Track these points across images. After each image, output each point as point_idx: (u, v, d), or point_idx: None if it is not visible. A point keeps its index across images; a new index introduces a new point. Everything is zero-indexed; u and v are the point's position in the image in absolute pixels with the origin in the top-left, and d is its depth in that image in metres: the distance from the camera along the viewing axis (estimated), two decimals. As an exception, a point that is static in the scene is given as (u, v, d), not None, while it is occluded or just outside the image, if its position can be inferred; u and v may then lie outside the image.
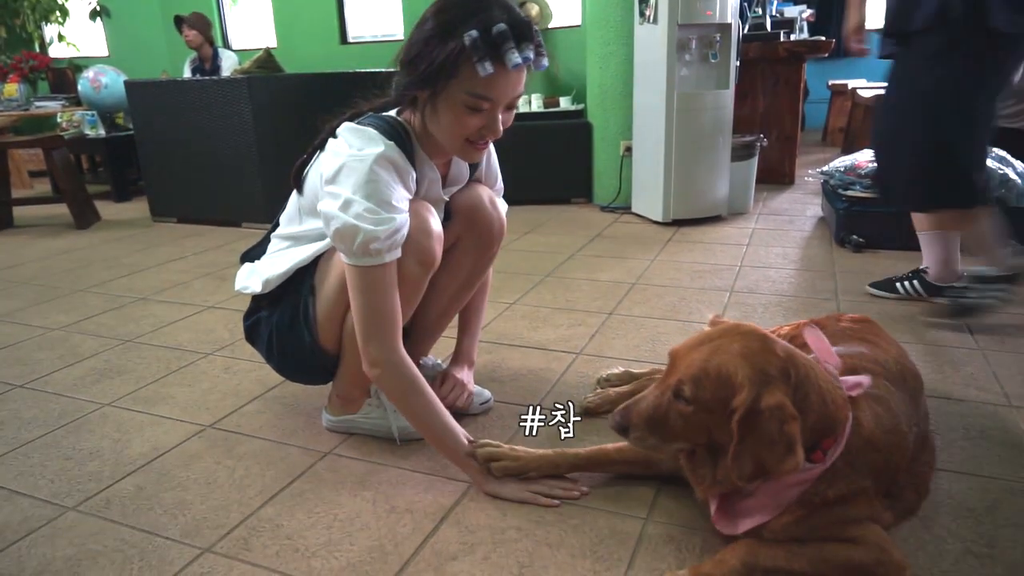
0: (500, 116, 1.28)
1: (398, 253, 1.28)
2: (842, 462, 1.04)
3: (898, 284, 2.29)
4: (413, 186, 1.32)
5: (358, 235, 1.21)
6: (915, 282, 2.25)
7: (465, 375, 1.64)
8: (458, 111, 1.25)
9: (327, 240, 1.35)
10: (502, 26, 1.17)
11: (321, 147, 1.34)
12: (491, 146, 1.56)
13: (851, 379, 1.11)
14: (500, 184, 1.66)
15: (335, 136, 1.30)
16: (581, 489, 1.32)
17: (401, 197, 1.27)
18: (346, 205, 1.22)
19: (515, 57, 1.19)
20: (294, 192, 1.44)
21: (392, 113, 1.36)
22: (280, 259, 1.45)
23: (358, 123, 1.31)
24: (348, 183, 1.23)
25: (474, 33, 1.17)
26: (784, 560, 1.04)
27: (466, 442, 1.35)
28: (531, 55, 1.22)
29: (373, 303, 1.27)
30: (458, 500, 1.31)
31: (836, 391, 1.05)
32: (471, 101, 1.23)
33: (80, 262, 3.21)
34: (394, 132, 1.29)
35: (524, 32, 1.20)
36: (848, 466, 1.04)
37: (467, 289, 1.60)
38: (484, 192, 1.54)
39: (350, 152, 1.25)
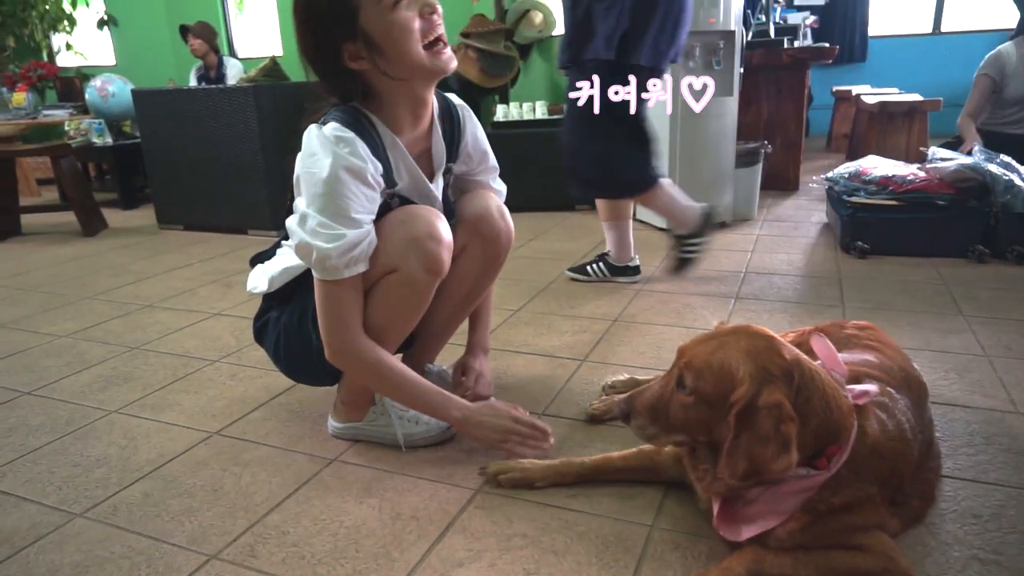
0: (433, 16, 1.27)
1: (360, 268, 1.29)
2: (847, 470, 1.04)
3: (588, 267, 2.69)
4: (380, 180, 1.31)
5: (312, 252, 1.24)
6: (601, 264, 2.69)
7: (481, 362, 1.67)
8: (390, 24, 1.23)
9: None
10: None
11: None
12: (473, 120, 1.54)
13: (858, 388, 1.10)
14: (493, 160, 1.62)
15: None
16: (549, 441, 1.41)
17: (361, 206, 1.26)
18: (302, 220, 1.25)
19: None
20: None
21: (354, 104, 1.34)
22: (283, 259, 1.47)
23: (321, 123, 1.29)
24: (304, 195, 1.26)
25: None
26: (790, 568, 1.04)
27: (449, 397, 1.41)
28: None
29: (335, 310, 1.32)
30: (464, 507, 1.31)
31: (841, 399, 1.05)
32: (392, 4, 1.22)
33: (87, 269, 3.23)
34: (354, 121, 1.29)
35: None
36: (853, 474, 1.04)
37: (474, 297, 1.61)
38: (492, 201, 1.55)
39: (305, 162, 1.26)
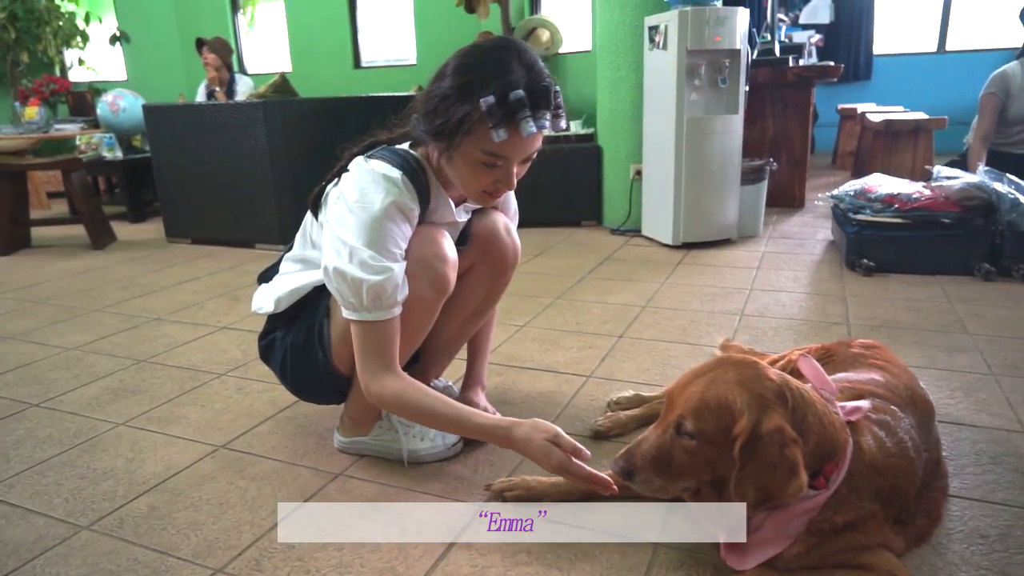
0: (515, 169, 1.30)
1: (399, 310, 1.30)
2: (845, 488, 1.04)
3: None
4: (415, 221, 1.35)
5: (362, 287, 1.24)
6: None
7: (482, 398, 1.66)
8: (473, 166, 1.27)
9: None
10: (520, 93, 1.18)
11: (340, 175, 1.36)
12: None
13: (849, 404, 1.11)
14: (515, 209, 1.68)
15: (347, 170, 1.33)
16: (612, 489, 1.23)
17: (401, 240, 1.30)
18: (351, 253, 1.25)
19: (530, 126, 1.21)
20: (308, 215, 1.47)
21: (405, 146, 1.38)
22: (290, 280, 1.48)
23: (369, 157, 1.33)
24: (351, 227, 1.26)
25: (491, 99, 1.18)
26: (796, 588, 1.03)
27: (491, 417, 1.34)
28: (547, 122, 1.24)
29: (380, 348, 1.30)
30: (469, 523, 1.31)
31: (832, 415, 1.06)
32: (485, 159, 1.25)
33: (96, 282, 3.26)
34: (406, 164, 1.32)
35: (541, 98, 1.21)
36: (852, 492, 1.04)
37: (480, 314, 1.62)
38: (500, 219, 1.56)
39: (355, 194, 1.27)
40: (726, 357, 1.09)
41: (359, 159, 1.34)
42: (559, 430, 1.25)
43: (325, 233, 1.32)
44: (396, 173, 1.29)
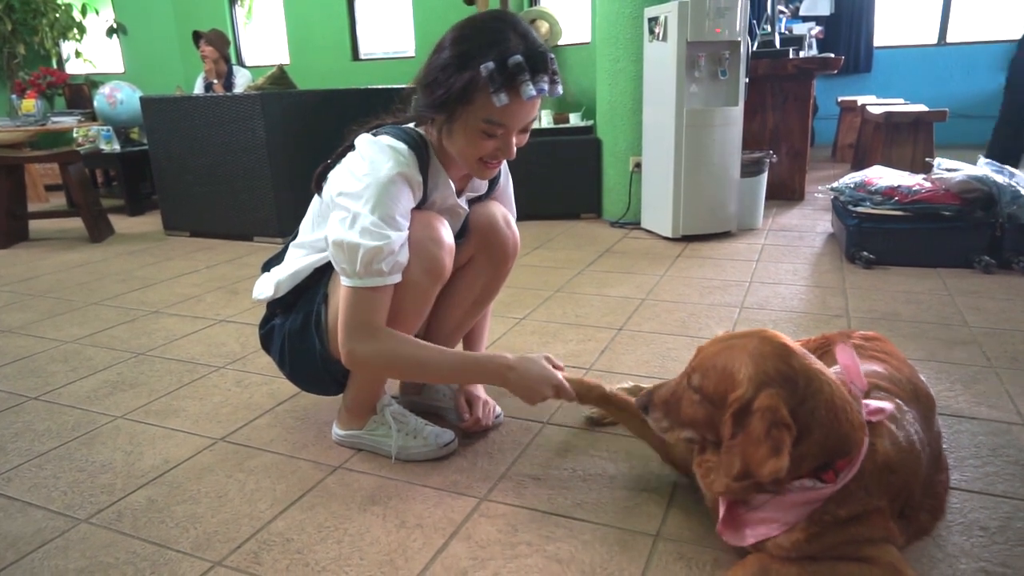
0: (514, 139, 1.31)
1: (398, 277, 1.30)
2: (855, 485, 1.03)
3: None
4: (420, 194, 1.35)
5: (358, 251, 1.24)
6: None
7: (479, 390, 1.66)
8: (473, 135, 1.28)
9: None
10: (518, 58, 1.20)
11: (344, 154, 1.37)
12: (508, 175, 1.62)
13: (874, 404, 1.10)
14: (512, 208, 1.68)
15: (352, 148, 1.34)
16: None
17: (405, 211, 1.30)
18: (353, 219, 1.25)
19: (530, 89, 1.22)
20: (315, 199, 1.46)
21: (411, 125, 1.38)
22: (291, 264, 1.48)
23: (374, 134, 1.34)
24: (358, 196, 1.26)
25: (490, 64, 1.20)
26: (796, 579, 1.03)
27: (490, 356, 1.37)
28: (545, 86, 1.25)
29: (364, 315, 1.30)
30: (468, 515, 1.31)
31: (853, 413, 1.04)
32: (486, 127, 1.26)
33: (94, 275, 3.25)
34: (410, 139, 1.33)
35: (539, 63, 1.23)
36: (862, 489, 1.04)
37: (480, 305, 1.61)
38: (499, 211, 1.56)
39: (361, 163, 1.28)
40: (761, 331, 1.09)
41: (365, 135, 1.35)
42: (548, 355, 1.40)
43: (330, 207, 1.33)
44: (402, 146, 1.30)
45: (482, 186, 1.54)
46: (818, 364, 1.06)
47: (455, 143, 1.32)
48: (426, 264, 1.34)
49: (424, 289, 1.38)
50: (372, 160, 1.28)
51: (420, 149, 1.34)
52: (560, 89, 1.30)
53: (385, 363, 1.36)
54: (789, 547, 1.05)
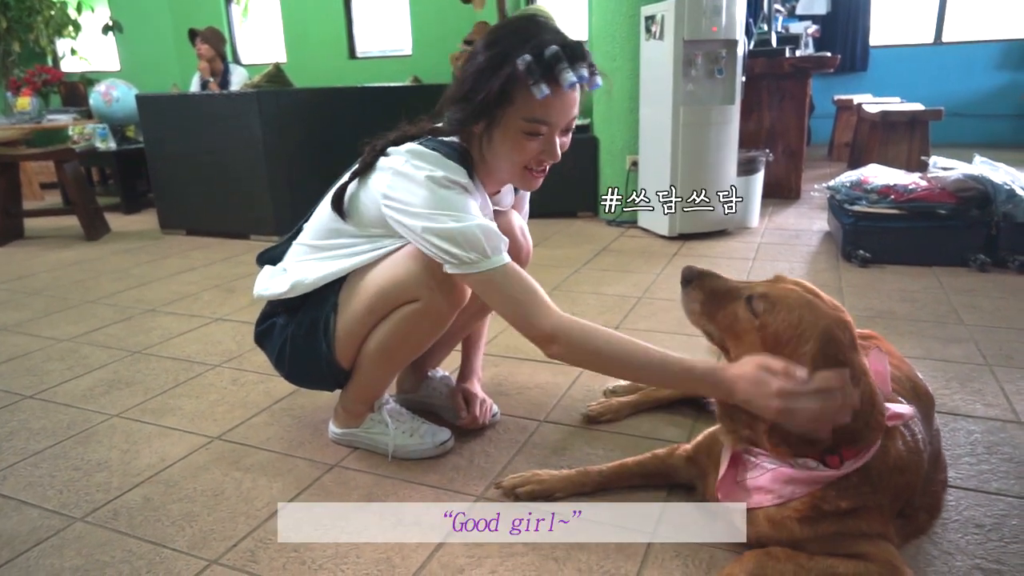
0: (557, 139, 1.28)
1: (507, 253, 1.25)
2: (860, 479, 1.05)
3: None
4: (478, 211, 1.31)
5: (473, 232, 1.20)
6: None
7: (479, 389, 1.66)
8: (516, 138, 1.25)
9: (360, 258, 1.35)
10: (555, 48, 1.19)
11: (365, 171, 1.33)
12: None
13: (894, 408, 1.11)
14: (527, 210, 1.68)
15: (387, 155, 1.30)
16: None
17: (476, 211, 1.27)
18: (445, 218, 1.21)
19: (570, 76, 1.20)
20: (328, 210, 1.39)
21: (454, 139, 1.34)
22: (314, 267, 1.41)
23: (421, 143, 1.29)
24: (424, 205, 1.22)
25: (528, 57, 1.18)
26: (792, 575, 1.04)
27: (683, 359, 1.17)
28: (585, 74, 1.22)
29: (524, 286, 1.24)
30: (466, 514, 1.31)
31: (880, 415, 1.07)
32: (529, 127, 1.24)
33: (90, 273, 3.24)
34: (459, 157, 1.29)
35: (577, 52, 1.21)
36: (867, 484, 1.05)
37: (485, 311, 1.60)
38: (516, 220, 1.56)
39: (425, 175, 1.24)
40: (841, 312, 1.10)
41: (411, 145, 1.29)
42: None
43: (395, 218, 1.27)
44: (432, 153, 1.26)
45: (506, 202, 1.53)
46: (867, 364, 1.09)
47: (497, 151, 1.28)
48: (449, 294, 1.32)
49: (446, 318, 1.36)
50: (429, 168, 1.24)
51: (468, 164, 1.30)
52: (599, 80, 1.27)
53: (582, 344, 1.24)
54: (779, 521, 1.07)
